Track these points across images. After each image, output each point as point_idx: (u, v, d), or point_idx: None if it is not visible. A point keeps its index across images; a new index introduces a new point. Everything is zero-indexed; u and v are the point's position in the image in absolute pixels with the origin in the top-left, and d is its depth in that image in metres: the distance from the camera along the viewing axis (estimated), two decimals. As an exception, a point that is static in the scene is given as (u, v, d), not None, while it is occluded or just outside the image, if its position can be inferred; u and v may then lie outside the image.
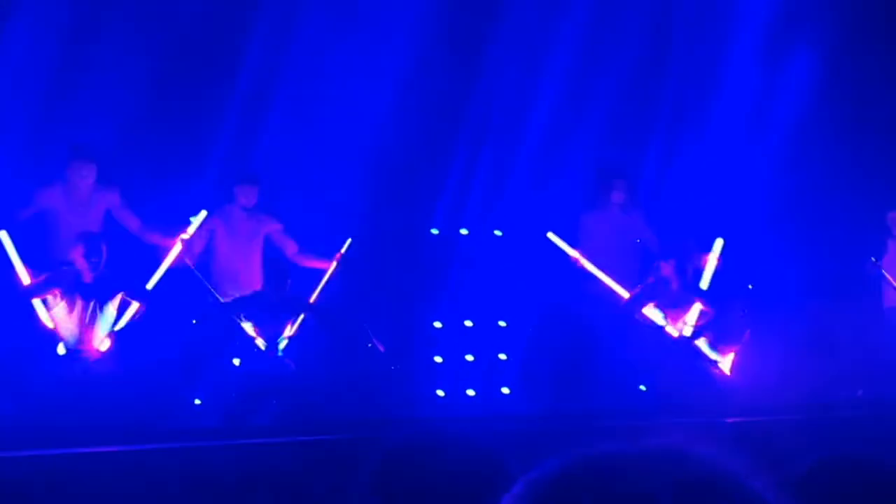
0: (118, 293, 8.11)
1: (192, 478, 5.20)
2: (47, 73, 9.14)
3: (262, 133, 9.86)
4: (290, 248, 9.19)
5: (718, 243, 9.65)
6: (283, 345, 8.68)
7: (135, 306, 8.20)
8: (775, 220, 10.52)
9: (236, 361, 8.70)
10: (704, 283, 9.44)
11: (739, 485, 0.88)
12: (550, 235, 9.27)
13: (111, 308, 8.09)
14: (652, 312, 9.04)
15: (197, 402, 8.60)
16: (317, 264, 9.22)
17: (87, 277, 7.94)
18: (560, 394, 9.02)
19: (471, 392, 9.95)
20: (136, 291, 8.23)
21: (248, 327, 8.58)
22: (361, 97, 10.10)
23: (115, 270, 8.23)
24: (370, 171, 10.01)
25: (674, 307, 8.99)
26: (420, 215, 10.59)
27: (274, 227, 9.21)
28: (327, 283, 9.12)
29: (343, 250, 9.27)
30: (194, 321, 8.95)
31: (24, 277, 8.11)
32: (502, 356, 10.30)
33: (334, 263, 9.18)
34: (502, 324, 10.47)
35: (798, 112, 10.54)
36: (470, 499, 1.57)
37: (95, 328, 8.04)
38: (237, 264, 9.14)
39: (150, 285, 8.41)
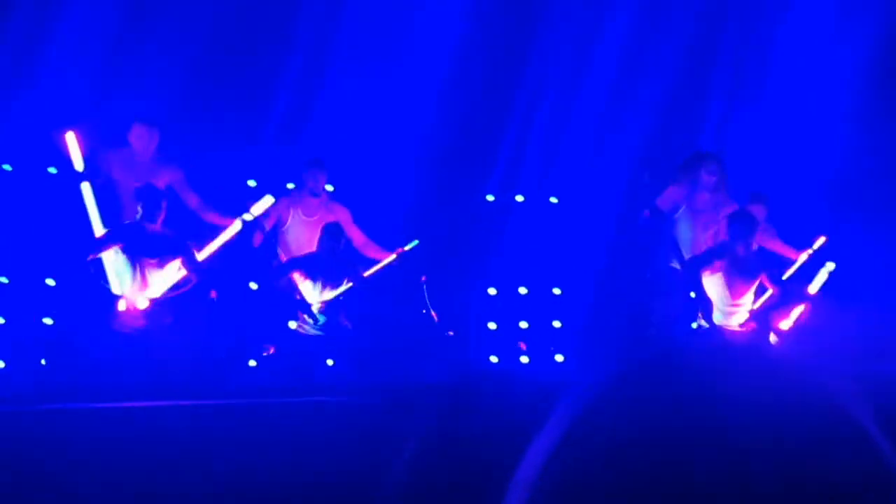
0: (176, 257, 8.12)
1: (243, 434, 5.26)
2: (106, 38, 9.20)
3: (317, 101, 9.88)
4: (357, 237, 9.12)
5: (820, 241, 9.32)
6: (320, 313, 8.69)
7: (182, 273, 8.17)
8: (835, 193, 10.35)
9: (292, 325, 8.76)
10: (786, 275, 9.17)
11: (817, 378, 0.85)
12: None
13: (169, 270, 8.14)
14: (714, 281, 8.78)
15: (252, 363, 8.69)
16: (377, 255, 9.12)
17: (148, 229, 7.99)
18: (612, 361, 8.97)
19: (524, 359, 9.95)
20: (192, 263, 8.22)
21: (306, 288, 8.62)
22: (419, 64, 10.08)
23: (177, 232, 8.24)
24: (426, 137, 10.00)
25: (740, 276, 8.74)
26: (476, 182, 10.57)
27: (343, 215, 9.14)
28: (382, 269, 9.07)
29: (407, 248, 9.11)
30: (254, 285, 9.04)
31: (98, 229, 8.17)
32: (556, 324, 10.29)
33: (394, 255, 9.10)
34: (557, 291, 10.45)
35: (861, 83, 10.35)
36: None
37: (149, 285, 8.08)
38: (305, 249, 9.09)
39: (201, 256, 8.37)
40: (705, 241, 9.13)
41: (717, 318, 8.80)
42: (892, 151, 10.41)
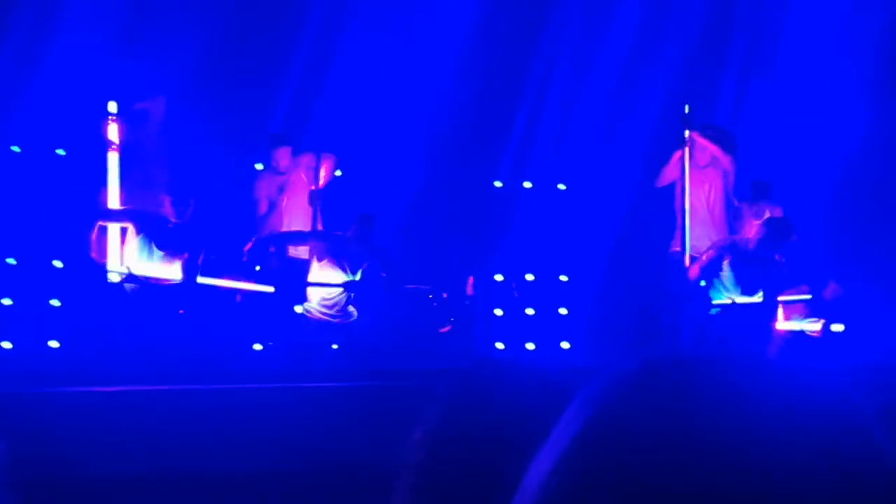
0: (183, 255, 8.07)
1: (248, 419, 5.27)
2: (114, 24, 9.17)
3: (326, 88, 9.85)
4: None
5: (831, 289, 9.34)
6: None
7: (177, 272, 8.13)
8: (848, 177, 10.29)
9: (298, 309, 8.76)
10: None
11: (837, 397, 0.84)
12: None
13: (173, 265, 8.10)
14: (727, 279, 8.75)
15: (257, 346, 8.69)
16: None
17: (170, 223, 7.98)
18: (620, 349, 8.97)
19: (530, 346, 9.95)
20: (191, 269, 8.14)
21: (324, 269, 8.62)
22: (428, 49, 10.06)
23: (198, 234, 8.21)
24: (436, 123, 9.98)
25: (750, 274, 8.70)
26: (484, 168, 10.55)
27: (327, 163, 9.21)
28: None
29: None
30: (258, 268, 9.02)
31: (114, 202, 8.20)
32: (563, 311, 10.27)
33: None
34: (564, 278, 10.43)
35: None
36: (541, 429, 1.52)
37: (151, 272, 8.07)
38: (297, 219, 9.16)
39: (205, 280, 8.34)
40: (702, 216, 9.22)
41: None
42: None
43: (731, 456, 0.78)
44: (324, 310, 8.61)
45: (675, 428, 0.80)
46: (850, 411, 0.83)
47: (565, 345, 10.04)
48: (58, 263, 8.75)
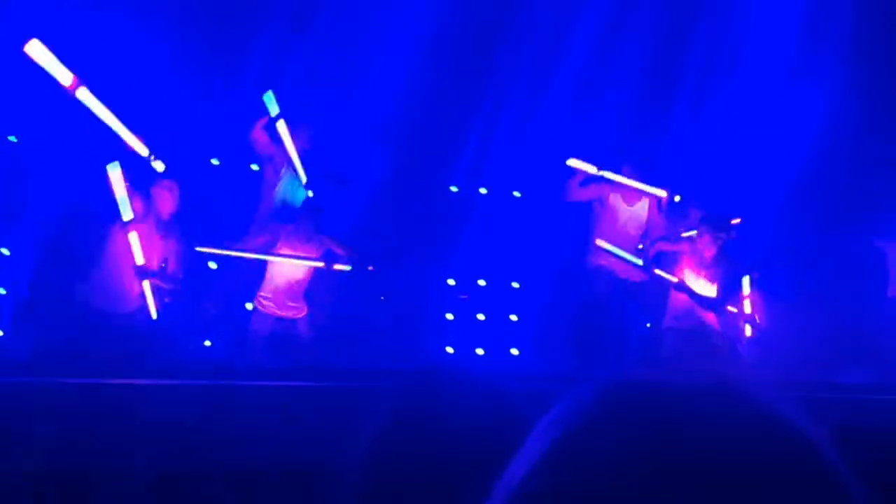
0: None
1: (195, 415, 5.24)
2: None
3: (284, 85, 9.81)
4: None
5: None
6: None
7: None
8: (795, 197, 10.42)
9: (249, 306, 8.73)
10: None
11: (798, 431, 0.86)
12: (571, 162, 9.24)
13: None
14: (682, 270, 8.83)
15: (207, 343, 8.66)
16: None
17: (165, 214, 8.04)
18: (570, 356, 9.03)
19: (480, 351, 9.99)
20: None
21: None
22: (386, 51, 10.05)
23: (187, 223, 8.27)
24: (392, 126, 9.97)
25: (702, 271, 8.78)
26: (440, 172, 10.57)
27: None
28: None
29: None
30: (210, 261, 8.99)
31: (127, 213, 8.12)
32: (513, 317, 10.32)
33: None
34: (515, 285, 10.48)
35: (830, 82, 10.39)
36: (488, 444, 1.54)
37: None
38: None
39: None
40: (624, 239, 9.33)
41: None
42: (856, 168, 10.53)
43: (691, 473, 0.80)
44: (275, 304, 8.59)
45: (639, 449, 0.82)
46: (804, 431, 0.86)
47: (514, 351, 10.10)
48: (5, 251, 8.65)
